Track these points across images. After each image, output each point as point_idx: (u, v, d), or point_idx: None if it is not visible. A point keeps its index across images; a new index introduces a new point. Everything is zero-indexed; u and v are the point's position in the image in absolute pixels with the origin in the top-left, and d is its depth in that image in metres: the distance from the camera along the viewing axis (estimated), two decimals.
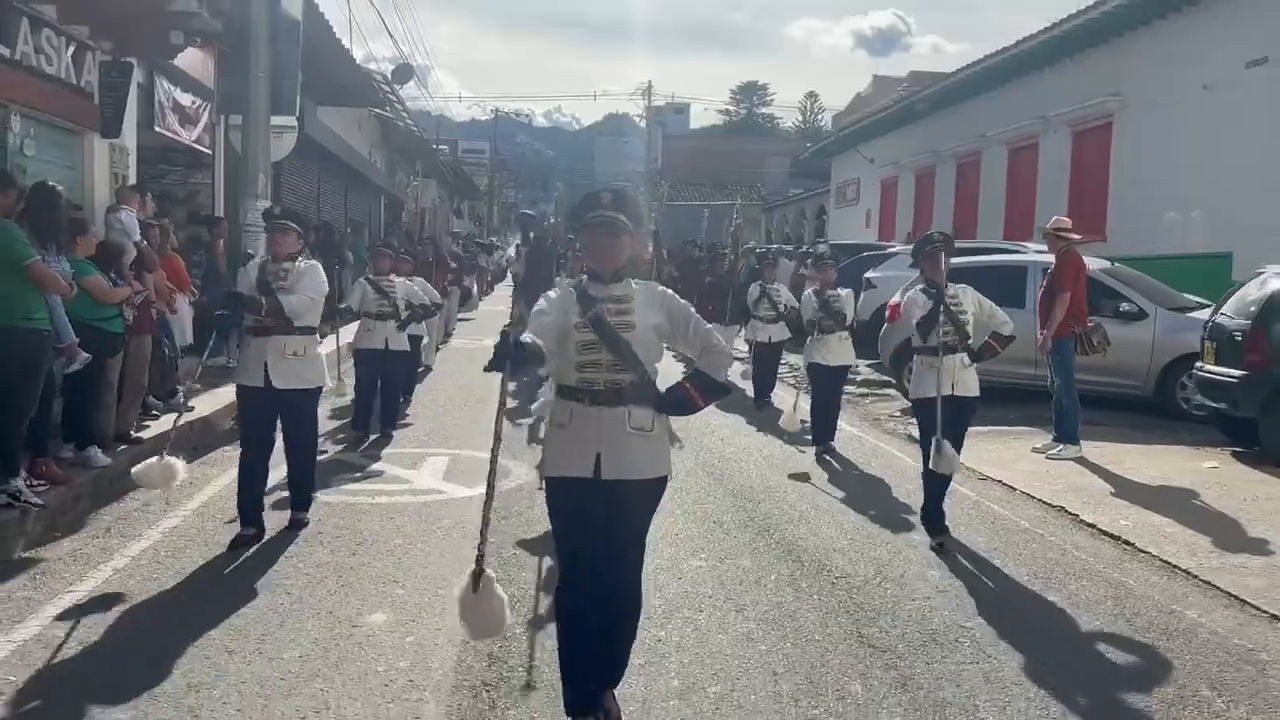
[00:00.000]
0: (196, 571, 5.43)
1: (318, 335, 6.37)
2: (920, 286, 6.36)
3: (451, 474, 7.79)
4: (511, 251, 34.97)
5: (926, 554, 6.01)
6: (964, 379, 6.21)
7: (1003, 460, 8.51)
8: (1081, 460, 8.43)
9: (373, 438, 9.06)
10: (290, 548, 5.83)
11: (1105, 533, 6.47)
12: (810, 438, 9.13)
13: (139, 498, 6.90)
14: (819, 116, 77.88)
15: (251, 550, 5.76)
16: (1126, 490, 7.50)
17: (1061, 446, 8.66)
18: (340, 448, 8.76)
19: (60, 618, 4.70)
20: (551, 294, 3.66)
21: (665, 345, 3.67)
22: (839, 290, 9.33)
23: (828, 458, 8.73)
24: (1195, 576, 5.60)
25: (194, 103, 11.90)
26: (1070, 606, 5.16)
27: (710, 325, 3.85)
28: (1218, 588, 5.42)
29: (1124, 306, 10.59)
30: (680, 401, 3.64)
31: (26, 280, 6.01)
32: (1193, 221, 16.01)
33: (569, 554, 3.60)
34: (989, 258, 12.45)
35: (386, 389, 9.34)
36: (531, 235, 11.42)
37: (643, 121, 71.72)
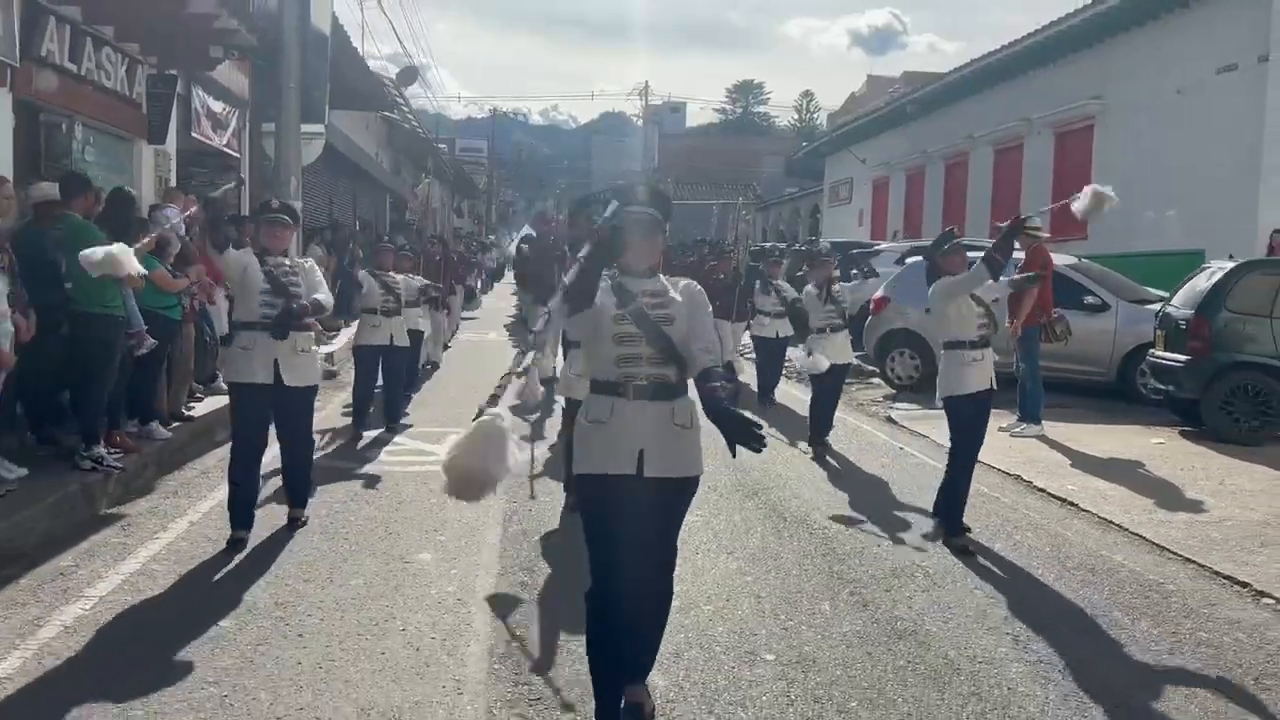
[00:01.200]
0: (259, 526, 6.24)
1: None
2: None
3: None
4: (511, 249, 35.65)
5: (895, 512, 6.87)
6: (991, 372, 6.13)
7: None
8: (1042, 438, 9.29)
9: (375, 433, 9.03)
10: (339, 506, 6.67)
11: (1054, 496, 7.34)
12: (809, 430, 9.34)
13: (197, 467, 7.78)
14: (814, 115, 78.48)
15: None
16: (1079, 462, 8.37)
17: (1024, 425, 9.52)
18: (338, 444, 8.82)
19: (154, 559, 5.54)
20: None
21: None
22: (839, 286, 9.32)
23: (819, 448, 8.95)
24: (1126, 529, 6.47)
25: (224, 109, 12.75)
26: (1013, 551, 6.03)
27: (719, 321, 4.03)
28: (1143, 537, 6.29)
29: (1088, 299, 11.46)
30: (727, 403, 3.44)
31: None
32: (1168, 220, 16.82)
33: (603, 557, 3.51)
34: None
35: (388, 385, 9.32)
36: (533, 234, 11.35)
37: (640, 120, 72.52)
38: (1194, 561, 5.81)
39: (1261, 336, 8.90)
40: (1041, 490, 7.50)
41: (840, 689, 4.06)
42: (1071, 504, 7.10)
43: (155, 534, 6.00)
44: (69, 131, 8.77)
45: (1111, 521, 6.62)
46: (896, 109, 28.30)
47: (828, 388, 9.17)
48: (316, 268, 6.26)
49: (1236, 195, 15.07)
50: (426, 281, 10.49)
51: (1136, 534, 6.35)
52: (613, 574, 3.48)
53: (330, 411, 10.33)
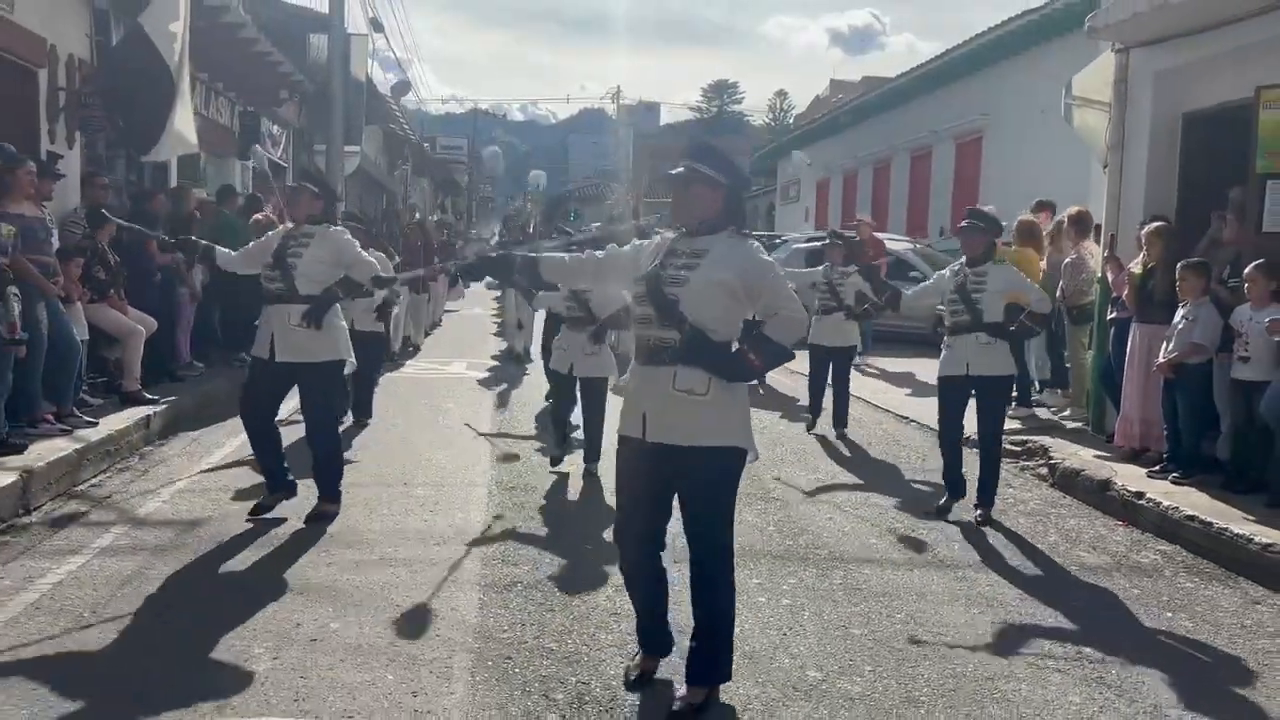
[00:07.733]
0: None
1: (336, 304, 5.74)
2: (956, 264, 6.39)
3: (471, 367, 12.81)
4: (494, 242, 38.27)
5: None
6: (980, 358, 6.11)
7: None
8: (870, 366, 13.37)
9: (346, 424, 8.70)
10: (381, 390, 10.35)
11: (857, 397, 11.37)
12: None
13: None
14: (788, 114, 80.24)
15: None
16: (887, 378, 12.41)
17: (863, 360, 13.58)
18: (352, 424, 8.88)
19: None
20: (645, 243, 3.69)
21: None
22: (848, 268, 9.27)
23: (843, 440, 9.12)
24: (890, 411, 10.48)
25: (279, 132, 16.74)
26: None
27: None
28: (889, 410, 10.37)
29: (913, 274, 15.47)
30: (733, 364, 3.43)
31: None
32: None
33: (620, 517, 3.62)
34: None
35: (357, 374, 8.28)
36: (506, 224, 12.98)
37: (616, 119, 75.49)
38: (904, 416, 9.93)
39: None
40: (860, 399, 11.52)
41: None
42: (874, 404, 11.06)
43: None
44: (197, 157, 12.72)
45: (871, 402, 10.73)
46: (833, 118, 31.85)
47: (836, 374, 9.27)
48: (352, 242, 5.76)
49: (1077, 195, 18.79)
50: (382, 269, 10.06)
51: (886, 409, 10.42)
52: (628, 532, 3.61)
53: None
